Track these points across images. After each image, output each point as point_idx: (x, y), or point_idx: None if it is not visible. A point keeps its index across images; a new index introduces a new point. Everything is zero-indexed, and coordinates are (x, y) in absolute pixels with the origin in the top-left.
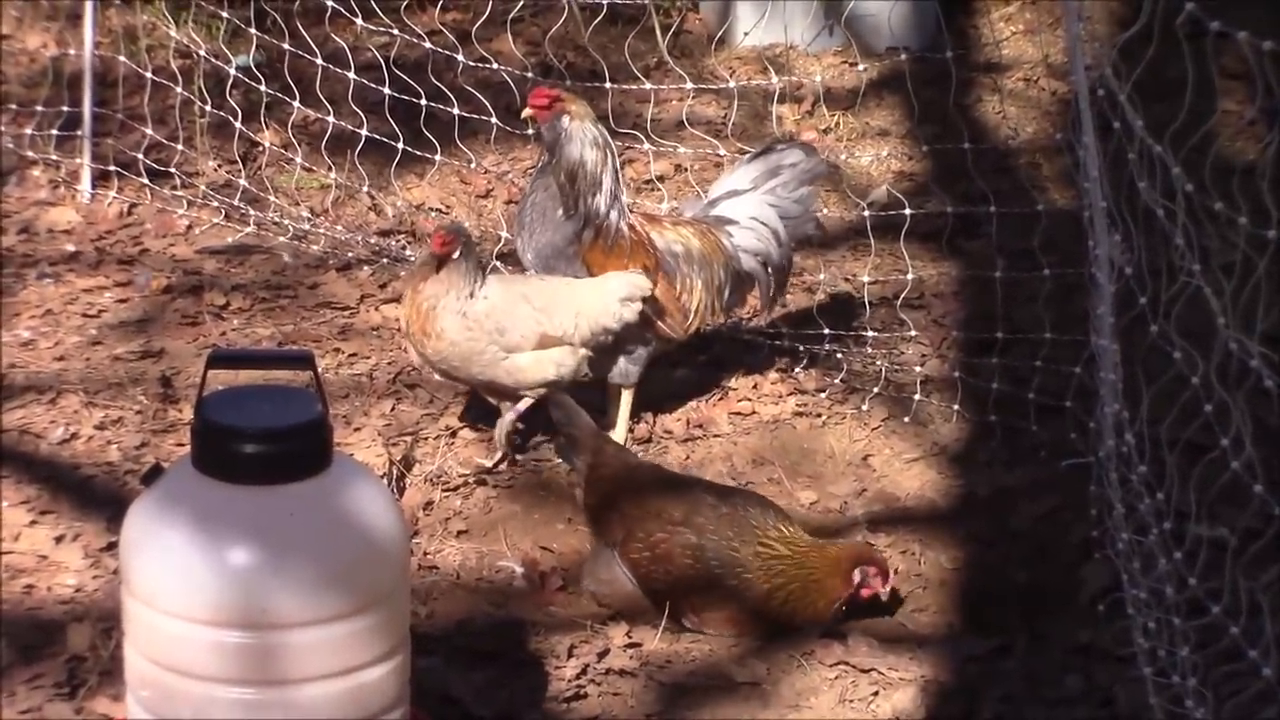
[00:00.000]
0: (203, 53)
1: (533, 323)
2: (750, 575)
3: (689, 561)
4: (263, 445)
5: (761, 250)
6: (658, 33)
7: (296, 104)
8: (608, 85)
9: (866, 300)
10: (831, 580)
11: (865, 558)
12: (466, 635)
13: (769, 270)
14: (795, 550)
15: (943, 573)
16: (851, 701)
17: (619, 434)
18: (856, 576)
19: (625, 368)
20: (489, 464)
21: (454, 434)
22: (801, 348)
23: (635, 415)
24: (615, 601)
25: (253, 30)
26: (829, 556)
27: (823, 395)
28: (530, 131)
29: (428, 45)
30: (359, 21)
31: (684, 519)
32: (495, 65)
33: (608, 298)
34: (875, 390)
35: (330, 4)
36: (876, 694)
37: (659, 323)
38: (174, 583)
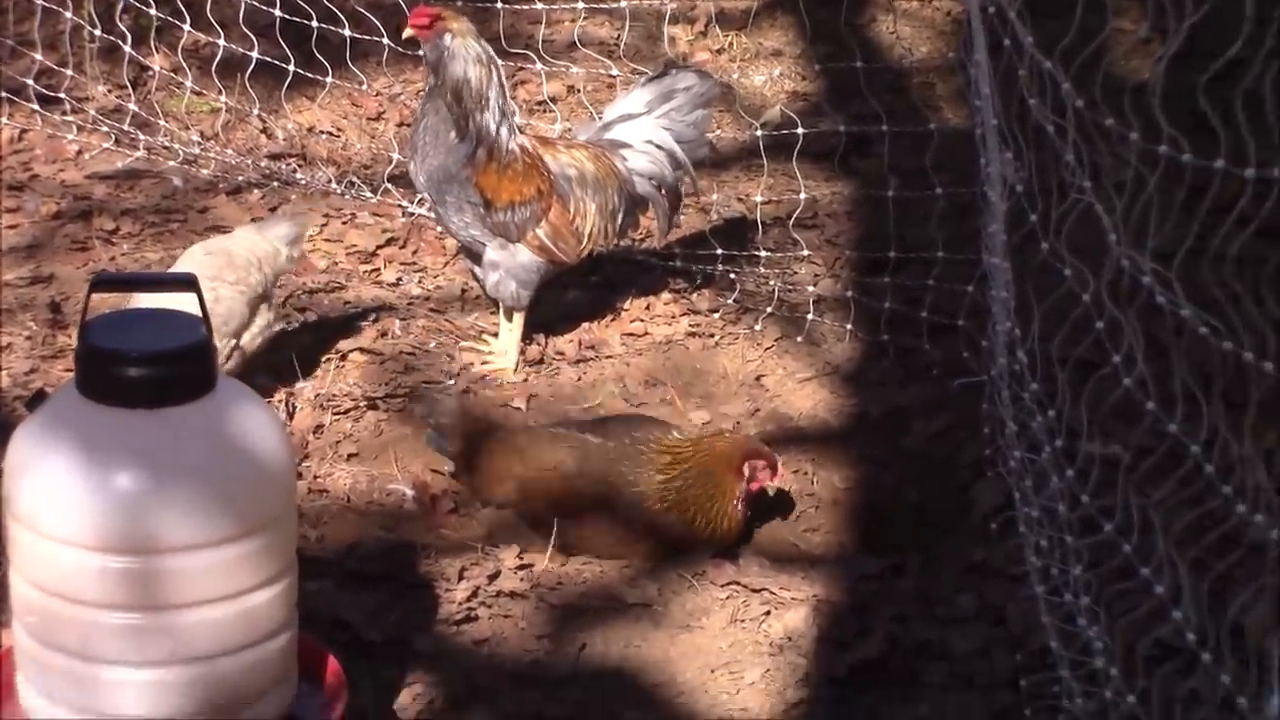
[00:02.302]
0: None
1: (233, 297)
2: (648, 495)
3: (590, 505)
4: (146, 369)
5: (657, 174)
6: None
7: (187, 27)
8: (499, 5)
9: (759, 220)
10: (725, 475)
11: (753, 451)
12: (357, 559)
13: (663, 194)
14: (684, 454)
15: (835, 492)
16: (743, 621)
17: (510, 357)
18: (746, 470)
19: (516, 291)
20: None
21: (344, 357)
22: (694, 268)
23: (527, 337)
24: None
25: None
26: (718, 451)
27: (716, 315)
28: (421, 53)
29: None
30: None
31: (578, 469)
32: None
33: (276, 242)
34: (768, 310)
35: None
36: (768, 614)
37: (552, 247)
38: (58, 507)
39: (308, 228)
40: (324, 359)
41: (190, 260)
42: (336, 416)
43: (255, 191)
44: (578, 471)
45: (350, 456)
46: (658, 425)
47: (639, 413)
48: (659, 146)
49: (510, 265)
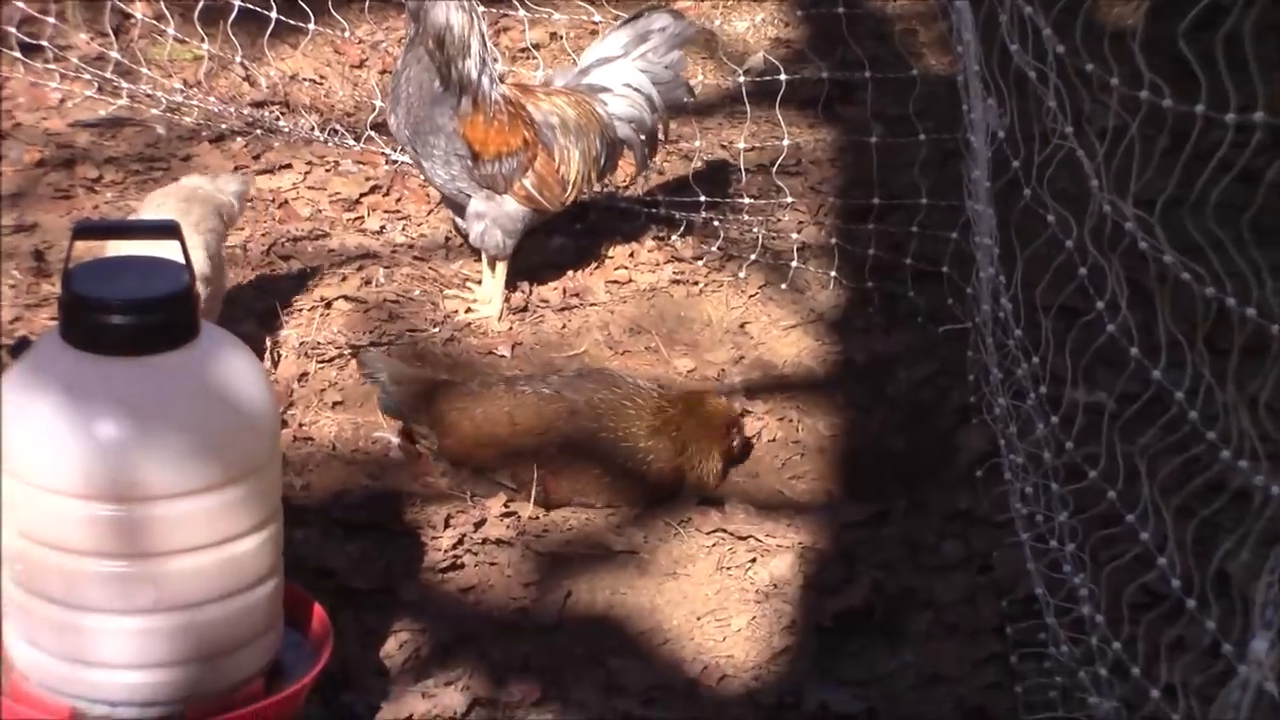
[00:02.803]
0: None
1: (208, 244)
2: (648, 455)
3: (577, 460)
4: (129, 316)
5: (635, 117)
6: None
7: None
8: None
9: (743, 167)
10: (715, 428)
11: (730, 411)
12: (342, 507)
13: (643, 137)
14: (676, 410)
15: (820, 440)
16: (729, 569)
17: (494, 305)
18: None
19: (501, 240)
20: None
21: (329, 305)
22: (678, 215)
23: (511, 285)
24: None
25: None
26: (706, 407)
27: (700, 263)
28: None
29: None
30: None
31: (567, 427)
32: None
33: (227, 195)
34: (752, 258)
35: None
36: (754, 561)
37: (538, 196)
38: (43, 455)
39: (251, 186)
40: (308, 307)
41: (158, 206)
42: (321, 364)
43: (238, 139)
44: (568, 431)
45: (335, 405)
46: (626, 379)
47: (605, 368)
48: (637, 89)
49: (496, 215)
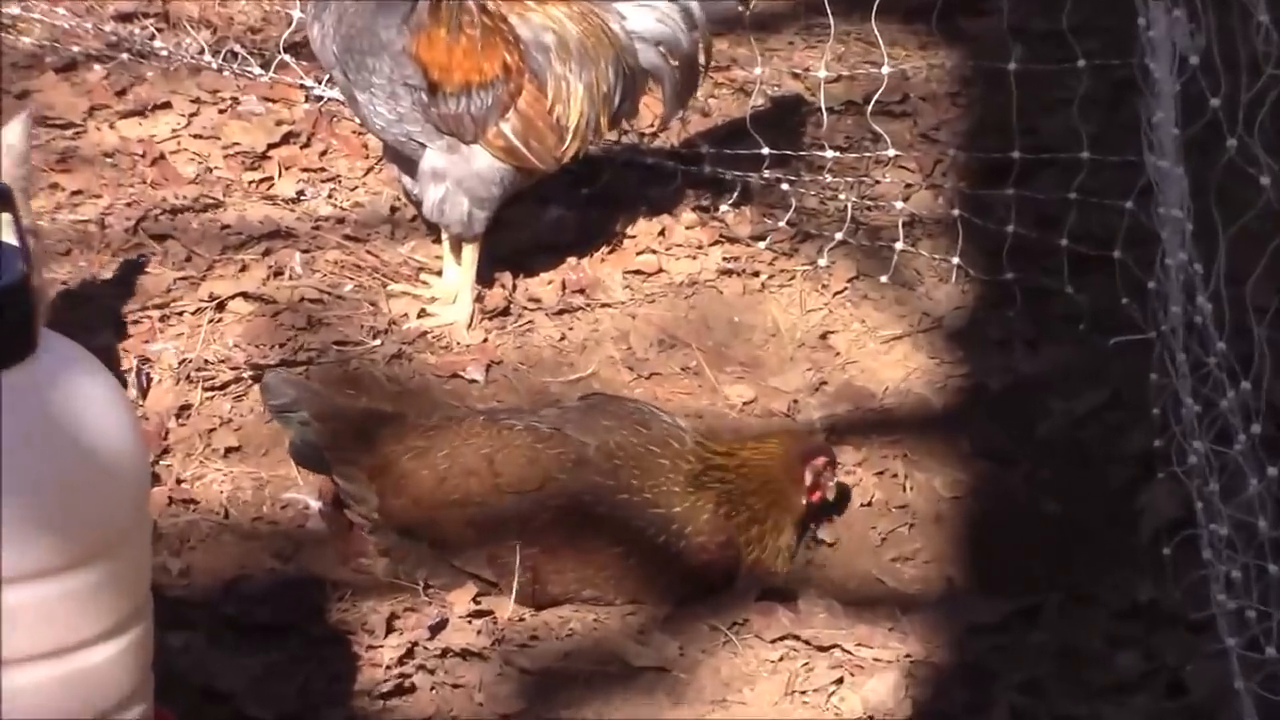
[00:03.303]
0: None
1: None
2: (672, 518)
3: (580, 533)
4: None
5: (666, 35)
6: None
7: None
8: None
9: (824, 106)
10: (781, 487)
11: (813, 450)
12: (239, 601)
13: (675, 63)
14: (731, 464)
15: (938, 504)
16: (804, 693)
17: (461, 307)
18: (809, 476)
19: (468, 212)
20: None
21: (221, 306)
22: (730, 176)
23: (484, 277)
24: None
25: None
26: (774, 455)
27: (762, 245)
28: None
29: None
30: None
31: (568, 484)
32: None
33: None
34: (838, 238)
35: None
36: (840, 682)
37: (522, 147)
38: None
39: (30, 124)
40: (192, 309)
41: None
42: (210, 393)
43: (96, 68)
44: (568, 487)
45: (229, 451)
46: (657, 415)
47: (624, 397)
48: None
49: (462, 175)
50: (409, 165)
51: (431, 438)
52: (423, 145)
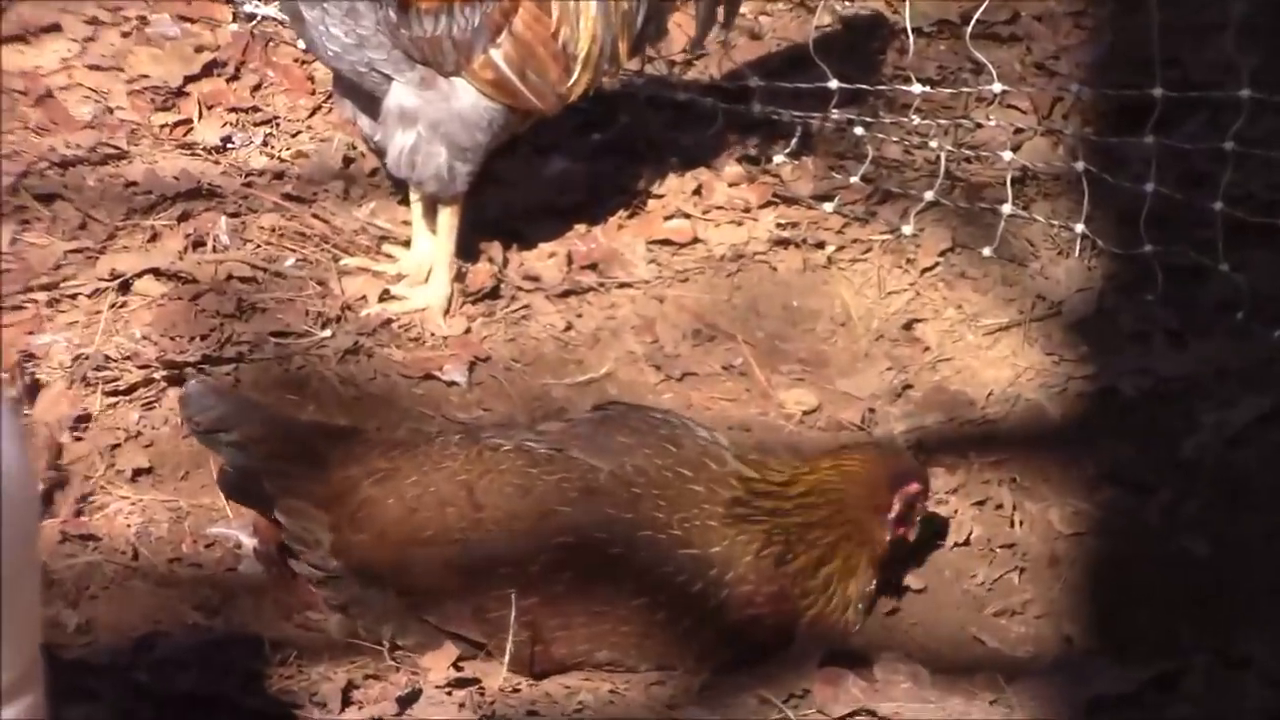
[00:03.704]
0: None
1: None
2: (713, 561)
3: (589, 582)
4: None
5: None
6: None
7: None
8: None
9: (909, 26)
10: (859, 519)
11: (904, 472)
12: (154, 665)
13: None
14: (787, 490)
15: (1054, 543)
16: None
17: (437, 287)
18: (897, 505)
19: (448, 165)
20: None
21: (126, 287)
22: (787, 117)
23: (465, 249)
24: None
25: None
26: (847, 475)
27: (828, 208)
28: None
29: None
30: None
31: (573, 519)
32: None
33: None
34: (928, 197)
35: None
36: None
37: (516, 81)
38: None
39: None
40: (89, 291)
41: None
42: (113, 399)
43: None
44: (575, 522)
45: (139, 474)
46: (691, 430)
47: (648, 406)
48: None
49: (439, 116)
50: (370, 104)
51: (397, 459)
52: (388, 78)
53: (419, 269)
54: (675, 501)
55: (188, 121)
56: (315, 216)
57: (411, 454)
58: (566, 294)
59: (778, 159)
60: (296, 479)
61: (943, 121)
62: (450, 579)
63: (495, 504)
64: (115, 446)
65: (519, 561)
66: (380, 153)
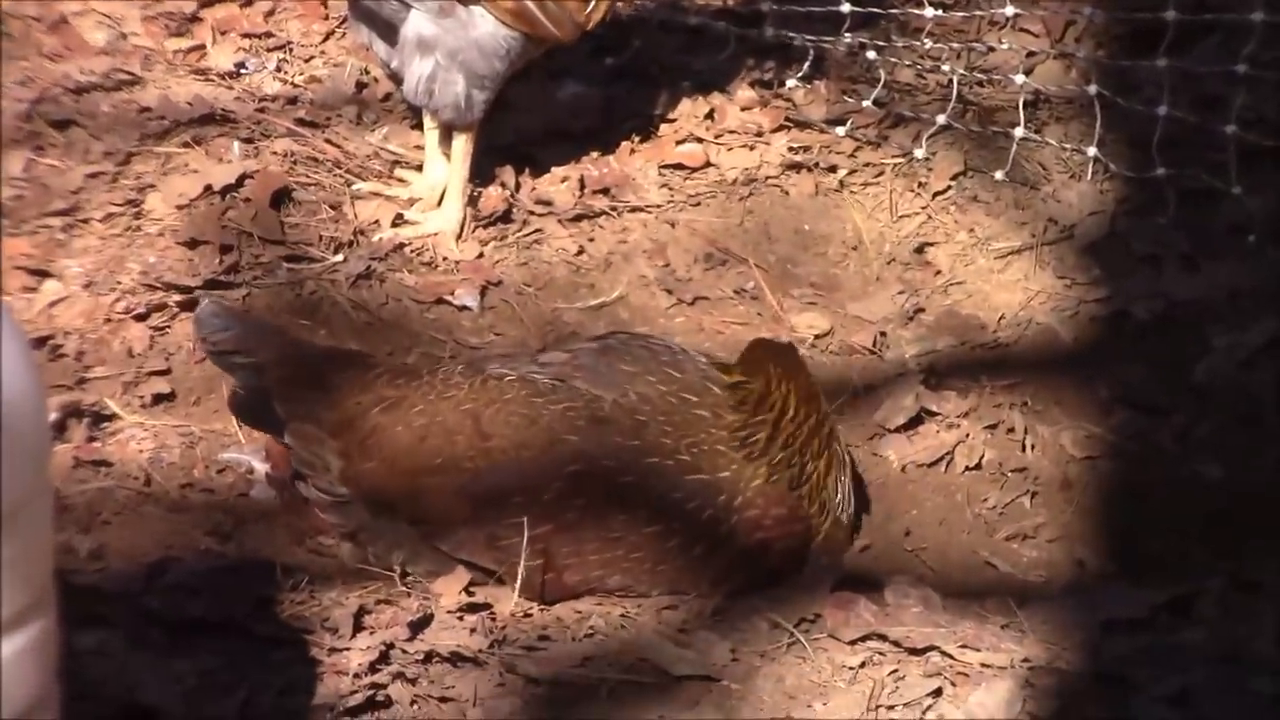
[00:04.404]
0: None
1: None
2: (736, 498)
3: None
4: None
5: None
6: None
7: None
8: None
9: None
10: (821, 409)
11: (782, 346)
12: (165, 591)
13: None
14: (764, 391)
15: (1066, 466)
16: (891, 708)
17: (450, 212)
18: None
19: (465, 92)
20: None
21: (139, 212)
22: (799, 41)
23: (479, 173)
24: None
25: None
26: (787, 374)
27: (840, 132)
28: None
29: None
30: None
31: (584, 463)
32: None
33: None
34: (940, 121)
35: None
36: (938, 694)
37: (534, 9)
38: None
39: None
40: (102, 215)
41: None
42: (126, 324)
43: None
44: (584, 450)
45: (152, 400)
46: (691, 357)
47: (653, 336)
48: None
49: (457, 44)
50: (386, 30)
51: (404, 387)
52: (407, 6)
53: (432, 193)
54: (681, 427)
55: (201, 47)
56: (328, 141)
57: (417, 382)
58: (578, 218)
59: (790, 83)
60: (307, 403)
61: (955, 45)
62: (461, 507)
63: (503, 433)
64: (128, 372)
65: (531, 490)
66: (397, 79)
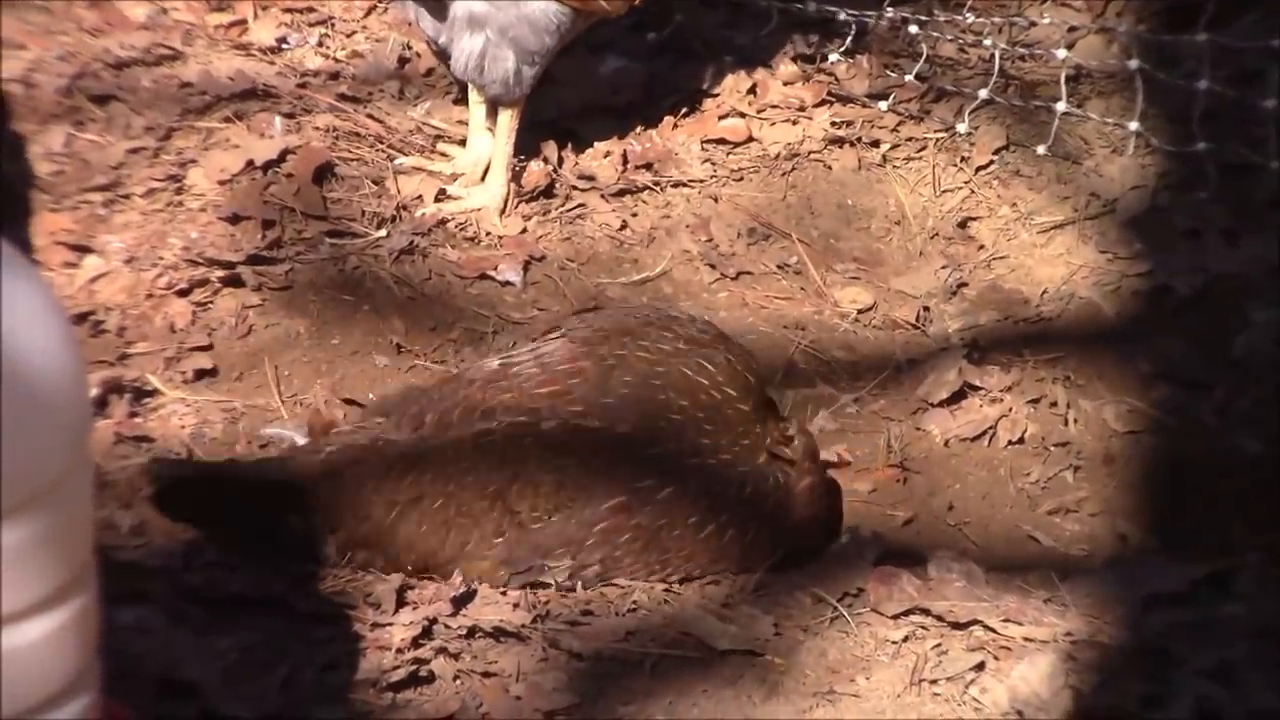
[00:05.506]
0: None
1: None
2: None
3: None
4: None
5: None
6: None
7: None
8: None
9: None
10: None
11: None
12: (207, 567)
13: None
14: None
15: (1108, 441)
16: (934, 682)
17: (494, 187)
18: None
19: (515, 69)
20: None
21: (182, 188)
22: (842, 15)
23: (523, 149)
24: None
25: None
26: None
27: (883, 106)
28: None
29: None
30: None
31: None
32: None
33: None
34: (982, 95)
35: None
36: (981, 668)
37: None
38: None
39: None
40: (142, 191)
41: None
42: (163, 294)
43: None
44: (620, 486)
45: (199, 375)
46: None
47: (685, 314)
48: None
49: (508, 20)
50: (435, 6)
51: (417, 481)
52: None
53: (475, 168)
54: (716, 423)
55: (242, 22)
56: (370, 117)
57: (423, 468)
58: (621, 193)
59: (833, 57)
60: (338, 532)
61: (997, 19)
62: (501, 573)
63: (532, 505)
64: (170, 348)
65: (573, 542)
66: (444, 55)
